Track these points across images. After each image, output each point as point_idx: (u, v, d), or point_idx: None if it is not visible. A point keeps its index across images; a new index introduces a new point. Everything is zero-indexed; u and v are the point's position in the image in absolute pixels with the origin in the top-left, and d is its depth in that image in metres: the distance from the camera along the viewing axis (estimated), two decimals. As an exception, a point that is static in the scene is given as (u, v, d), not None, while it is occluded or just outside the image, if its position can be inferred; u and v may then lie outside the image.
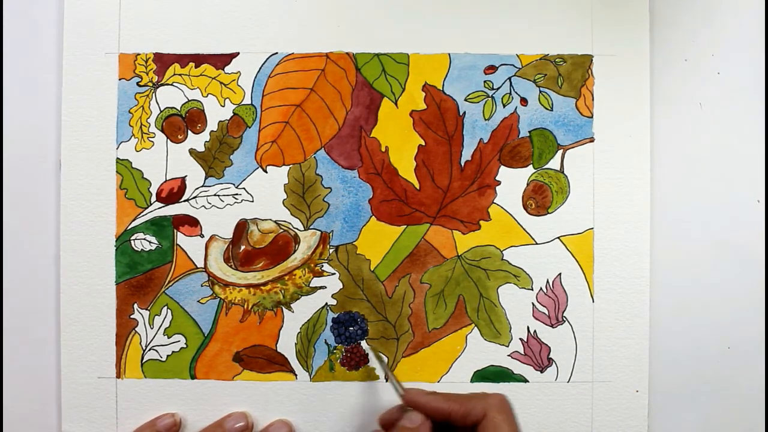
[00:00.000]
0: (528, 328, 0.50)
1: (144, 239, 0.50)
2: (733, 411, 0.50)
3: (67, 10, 0.50)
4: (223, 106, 0.50)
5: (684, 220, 0.50)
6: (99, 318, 0.49)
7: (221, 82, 0.50)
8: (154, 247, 0.50)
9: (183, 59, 0.50)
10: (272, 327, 0.50)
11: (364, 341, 0.50)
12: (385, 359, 0.49)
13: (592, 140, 0.50)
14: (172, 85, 0.50)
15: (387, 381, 0.48)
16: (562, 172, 0.50)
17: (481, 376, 0.49)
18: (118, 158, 0.50)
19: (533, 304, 0.50)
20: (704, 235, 0.50)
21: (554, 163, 0.50)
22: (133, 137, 0.50)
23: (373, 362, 0.50)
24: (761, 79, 0.50)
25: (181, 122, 0.50)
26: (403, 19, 0.50)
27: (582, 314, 0.50)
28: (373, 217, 0.50)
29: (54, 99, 0.50)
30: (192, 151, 0.50)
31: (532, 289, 0.50)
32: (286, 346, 0.50)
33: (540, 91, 0.50)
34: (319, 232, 0.50)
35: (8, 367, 0.50)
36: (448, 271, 0.50)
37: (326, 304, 0.50)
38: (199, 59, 0.50)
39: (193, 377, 0.49)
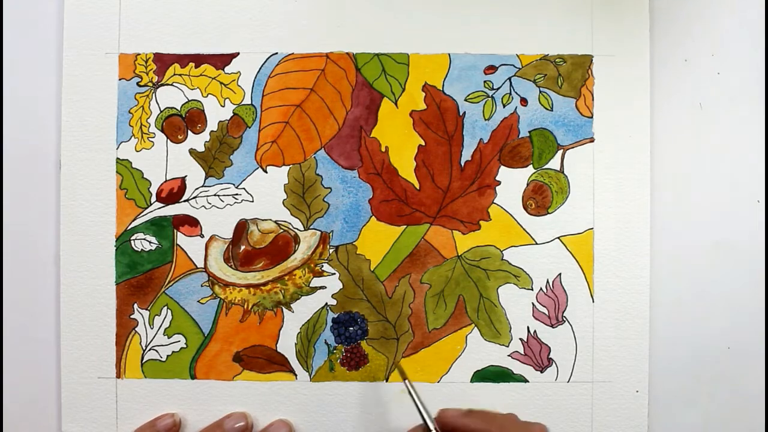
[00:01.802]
0: (528, 328, 0.50)
1: (144, 239, 0.50)
2: (733, 411, 0.50)
3: (67, 10, 0.50)
4: (223, 106, 0.50)
5: (684, 220, 0.50)
6: (99, 318, 0.49)
7: (221, 82, 0.50)
8: (154, 247, 0.50)
9: (183, 59, 0.50)
10: (272, 327, 0.50)
11: (365, 341, 0.50)
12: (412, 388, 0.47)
13: (592, 140, 0.50)
14: (172, 85, 0.50)
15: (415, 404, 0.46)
16: (562, 172, 0.50)
17: (481, 376, 0.49)
18: (118, 158, 0.50)
19: (533, 304, 0.50)
20: (704, 235, 0.50)
21: (554, 163, 0.50)
22: (133, 137, 0.50)
23: (373, 362, 0.50)
24: (761, 79, 0.50)
25: (181, 122, 0.50)
26: (403, 19, 0.50)
27: (582, 314, 0.50)
28: (373, 217, 0.50)
29: (54, 99, 0.50)
30: (192, 151, 0.50)
31: (532, 289, 0.50)
32: (286, 346, 0.50)
33: (540, 91, 0.50)
34: (319, 232, 0.50)
35: (8, 367, 0.50)
36: (448, 271, 0.50)
37: (326, 304, 0.50)
38: (199, 59, 0.50)
39: (193, 377, 0.49)
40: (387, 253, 0.50)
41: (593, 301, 0.49)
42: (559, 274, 0.50)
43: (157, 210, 0.50)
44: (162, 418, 0.49)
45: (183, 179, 0.50)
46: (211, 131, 0.50)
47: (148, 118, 0.50)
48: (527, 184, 0.50)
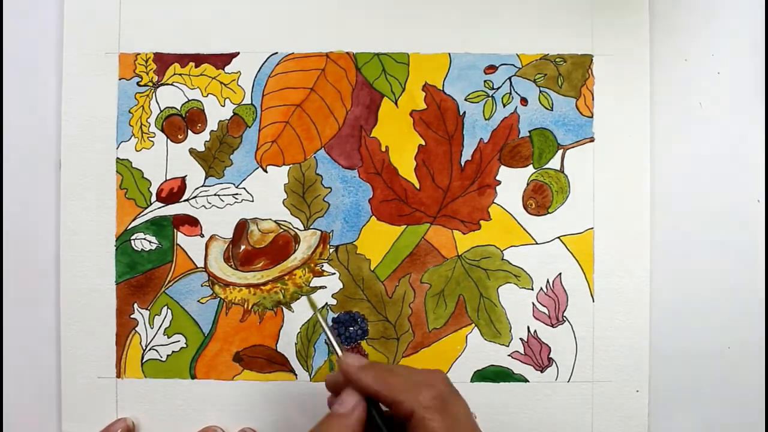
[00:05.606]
0: (528, 327, 0.50)
1: (144, 239, 0.50)
2: (733, 411, 0.50)
3: (67, 10, 0.50)
4: (223, 106, 0.50)
5: (684, 220, 0.50)
6: (99, 318, 0.49)
7: (221, 82, 0.50)
8: (154, 246, 0.50)
9: (183, 59, 0.50)
10: (272, 327, 0.50)
11: (365, 341, 0.50)
12: (319, 309, 0.43)
13: (592, 140, 0.50)
14: (172, 84, 0.50)
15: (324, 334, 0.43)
16: (562, 172, 0.50)
17: (481, 376, 0.49)
18: (118, 158, 0.50)
19: (533, 303, 0.50)
20: (704, 235, 0.50)
21: (554, 163, 0.50)
22: (133, 137, 0.50)
23: (373, 359, 0.49)
24: (761, 79, 0.50)
25: (181, 122, 0.50)
26: (403, 19, 0.50)
27: (582, 314, 0.49)
28: (373, 216, 0.50)
29: (54, 99, 0.50)
30: (192, 151, 0.50)
31: (532, 289, 0.50)
32: (286, 346, 0.49)
33: (540, 91, 0.50)
34: (319, 232, 0.50)
35: (8, 367, 0.50)
36: (448, 270, 0.50)
37: (326, 304, 0.50)
38: (199, 59, 0.50)
39: (193, 377, 0.49)
40: (387, 252, 0.50)
41: (593, 301, 0.49)
42: (559, 274, 0.50)
43: (157, 210, 0.50)
44: (115, 424, 0.48)
45: (183, 179, 0.50)
46: (211, 131, 0.50)
47: (148, 117, 0.50)
48: (527, 184, 0.50)
